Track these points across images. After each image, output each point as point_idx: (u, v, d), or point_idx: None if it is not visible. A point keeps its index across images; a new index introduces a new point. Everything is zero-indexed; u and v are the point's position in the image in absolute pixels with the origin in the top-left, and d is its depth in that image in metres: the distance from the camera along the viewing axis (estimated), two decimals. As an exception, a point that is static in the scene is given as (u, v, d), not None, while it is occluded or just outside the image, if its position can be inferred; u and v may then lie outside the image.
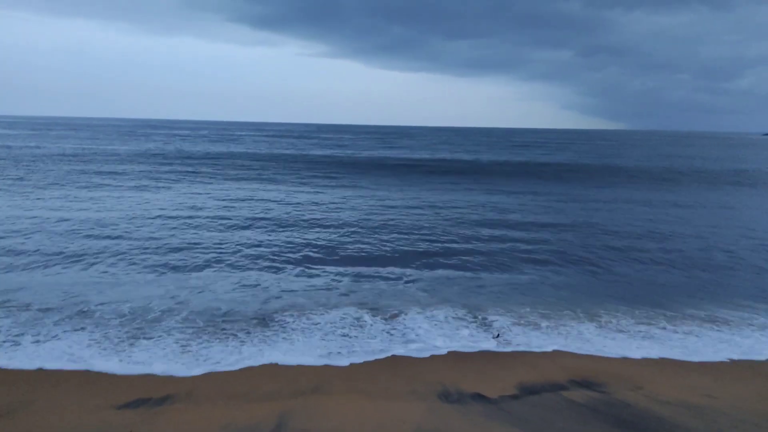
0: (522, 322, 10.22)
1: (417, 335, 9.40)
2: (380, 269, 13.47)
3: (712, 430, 6.49)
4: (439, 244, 16.19)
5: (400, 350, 8.74)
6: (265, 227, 18.06)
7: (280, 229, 17.75)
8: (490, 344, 9.11)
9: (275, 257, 14.31)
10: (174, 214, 20.04)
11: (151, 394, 7.09)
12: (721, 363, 8.70)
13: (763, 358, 8.97)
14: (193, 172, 34.94)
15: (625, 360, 8.70)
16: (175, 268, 13.01)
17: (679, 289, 12.63)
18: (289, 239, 16.39)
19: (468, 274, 13.34)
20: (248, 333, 9.19)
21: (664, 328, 10.17)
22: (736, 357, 8.95)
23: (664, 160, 59.89)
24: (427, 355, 8.64)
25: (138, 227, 17.47)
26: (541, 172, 42.09)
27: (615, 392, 7.47)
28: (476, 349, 8.90)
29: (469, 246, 16.18)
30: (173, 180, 30.80)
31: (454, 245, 16.19)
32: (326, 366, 8.07)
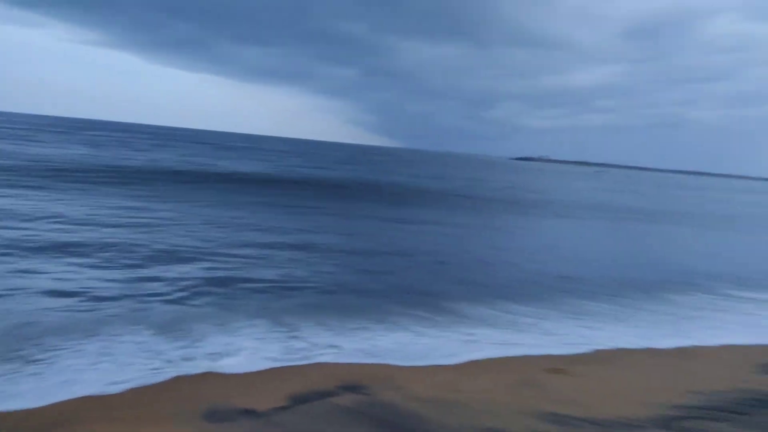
0: (303, 333, 10.35)
1: (199, 353, 8.94)
2: (158, 288, 12.44)
3: (456, 420, 7.30)
4: (225, 262, 15.53)
5: (174, 371, 8.21)
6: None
7: (21, 244, 15.39)
8: (271, 359, 9.03)
9: (24, 280, 12.38)
10: None
11: None
12: (474, 361, 9.72)
13: (509, 354, 10.23)
14: None
15: (390, 364, 9.31)
16: None
17: (444, 297, 13.92)
18: (37, 255, 14.34)
19: (256, 290, 13.05)
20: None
21: (431, 331, 11.14)
22: (487, 355, 10.07)
23: (434, 180, 65.95)
24: (201, 372, 8.27)
25: None
26: (323, 187, 43.30)
27: (378, 393, 7.97)
28: (259, 365, 8.76)
29: (257, 262, 15.91)
30: None
31: (242, 262, 15.77)
32: (86, 397, 7.22)
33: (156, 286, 12.42)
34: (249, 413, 7.09)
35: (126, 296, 11.53)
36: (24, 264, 13.16)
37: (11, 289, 11.24)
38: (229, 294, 12.45)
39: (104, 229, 17.95)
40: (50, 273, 12.67)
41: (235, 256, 16.03)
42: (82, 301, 11.04)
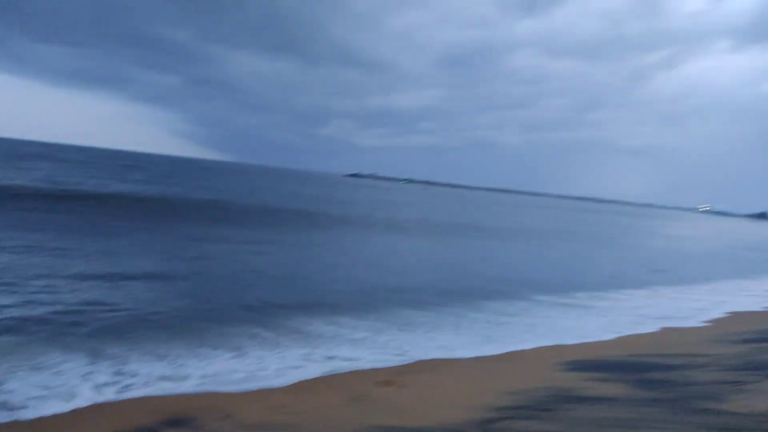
0: (132, 365, 9.47)
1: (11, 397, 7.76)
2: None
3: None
4: (20, 291, 13.57)
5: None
6: None
7: None
8: (93, 398, 8.13)
9: None
10: None
11: None
12: (309, 380, 9.62)
13: (343, 369, 10.24)
14: None
15: (222, 391, 8.84)
16: None
17: (280, 315, 13.65)
18: None
19: (67, 322, 11.61)
20: None
21: (267, 351, 10.79)
22: (322, 371, 10.04)
23: (265, 196, 64.75)
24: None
25: None
26: (136, 203, 39.56)
27: (206, 425, 7.51)
28: (81, 404, 7.85)
29: (61, 290, 14.20)
30: None
31: (42, 290, 13.93)
32: None
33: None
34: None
35: None
36: None
37: None
38: (32, 327, 10.93)
39: None
40: None
41: (29, 285, 14.05)
42: None
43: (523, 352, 12.20)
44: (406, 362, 10.95)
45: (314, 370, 10.08)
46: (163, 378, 9.11)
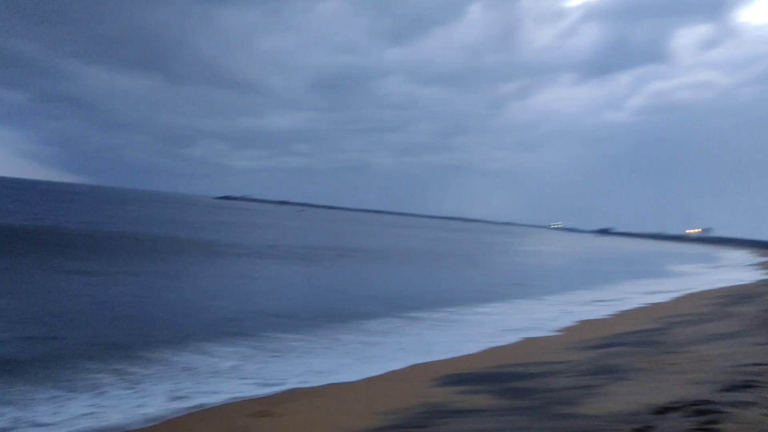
0: None
1: None
2: None
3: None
4: None
5: None
6: None
7: None
8: None
9: None
10: None
11: None
12: (176, 418, 9.01)
13: (213, 402, 9.73)
14: None
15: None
16: None
17: (144, 347, 12.78)
18: None
19: None
20: None
21: (129, 389, 9.97)
22: (191, 405, 9.49)
23: (125, 222, 60.64)
24: None
25: None
26: None
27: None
28: None
29: None
30: None
31: None
32: None
33: None
34: None
35: None
36: None
37: None
38: None
39: None
40: None
41: None
42: None
43: (398, 371, 12.41)
44: (280, 390, 10.68)
45: (182, 405, 9.51)
46: (10, 428, 8.10)
